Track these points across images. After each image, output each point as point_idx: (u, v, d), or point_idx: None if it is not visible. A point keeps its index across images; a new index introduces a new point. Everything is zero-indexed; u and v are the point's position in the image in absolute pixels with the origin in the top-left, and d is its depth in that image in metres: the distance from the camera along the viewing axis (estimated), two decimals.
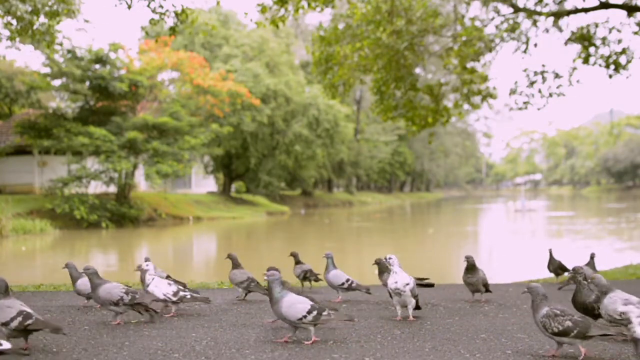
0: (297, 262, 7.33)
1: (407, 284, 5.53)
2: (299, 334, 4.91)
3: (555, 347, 4.49)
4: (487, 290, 6.69)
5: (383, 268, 6.43)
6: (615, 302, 4.79)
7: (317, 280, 7.29)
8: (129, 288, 5.44)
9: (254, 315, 5.96)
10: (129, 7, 10.17)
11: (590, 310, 5.27)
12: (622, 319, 4.73)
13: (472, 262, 6.47)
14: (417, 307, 5.79)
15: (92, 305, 6.25)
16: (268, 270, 5.14)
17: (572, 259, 8.77)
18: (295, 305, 4.71)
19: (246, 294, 6.70)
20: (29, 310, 4.51)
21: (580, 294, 5.31)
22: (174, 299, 5.71)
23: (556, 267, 8.05)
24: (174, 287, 5.81)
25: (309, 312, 4.68)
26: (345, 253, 19.06)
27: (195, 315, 5.92)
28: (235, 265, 6.70)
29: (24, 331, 4.46)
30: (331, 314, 4.73)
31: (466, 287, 6.75)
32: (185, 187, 43.58)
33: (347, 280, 6.58)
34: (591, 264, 7.23)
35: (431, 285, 6.59)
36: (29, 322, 4.42)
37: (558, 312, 4.41)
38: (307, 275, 7.27)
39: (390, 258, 5.76)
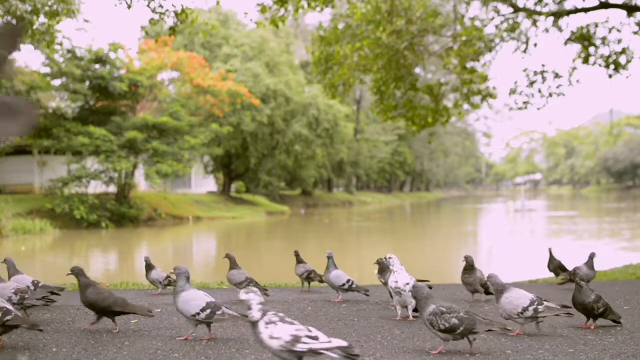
0: (299, 262, 7.31)
1: (408, 284, 5.54)
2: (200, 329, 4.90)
3: (443, 344, 4.51)
4: (488, 293, 6.67)
5: (384, 268, 6.42)
6: (512, 301, 4.86)
7: (321, 281, 7.24)
8: (19, 288, 5.33)
9: None
10: (129, 7, 10.17)
11: (590, 310, 5.29)
12: (519, 316, 4.85)
13: (471, 263, 6.47)
14: (417, 309, 5.78)
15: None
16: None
17: (572, 259, 8.78)
18: (190, 301, 4.77)
19: None
20: (9, 307, 4.51)
21: (579, 294, 5.33)
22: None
23: (556, 267, 8.07)
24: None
25: (203, 310, 4.73)
26: (345, 253, 19.04)
27: None
28: (234, 265, 6.69)
29: (3, 327, 4.46)
30: (226, 314, 4.74)
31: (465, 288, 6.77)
32: (185, 187, 43.57)
33: (348, 281, 6.57)
34: (590, 263, 7.24)
35: (429, 288, 6.60)
36: (9, 318, 4.43)
37: (445, 309, 4.38)
38: (311, 276, 7.26)
39: (390, 258, 5.76)
